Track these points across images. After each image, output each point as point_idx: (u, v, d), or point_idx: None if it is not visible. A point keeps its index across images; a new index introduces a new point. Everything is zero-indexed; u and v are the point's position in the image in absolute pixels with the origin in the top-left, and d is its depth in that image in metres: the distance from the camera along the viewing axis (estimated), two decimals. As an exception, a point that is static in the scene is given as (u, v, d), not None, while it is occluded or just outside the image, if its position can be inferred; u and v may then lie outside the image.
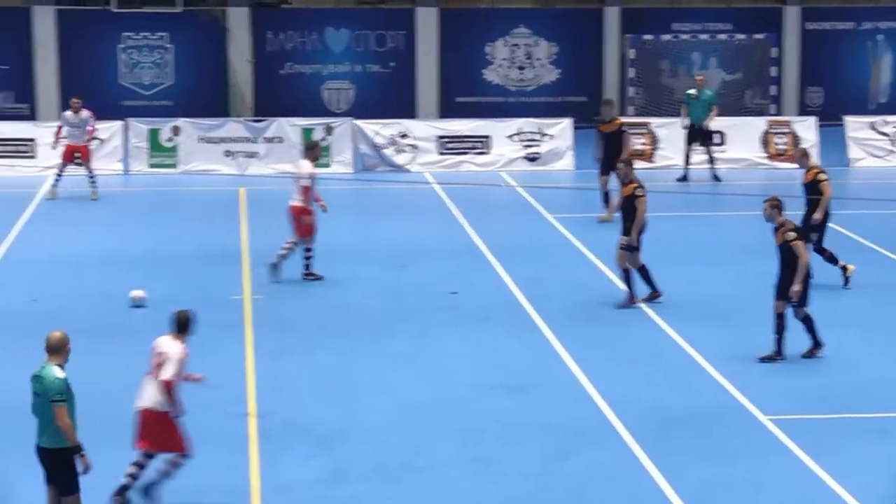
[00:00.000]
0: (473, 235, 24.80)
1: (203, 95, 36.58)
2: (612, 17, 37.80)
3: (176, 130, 31.25)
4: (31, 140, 30.97)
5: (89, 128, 28.41)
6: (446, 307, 20.12)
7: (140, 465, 12.96)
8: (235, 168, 30.83)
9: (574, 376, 16.97)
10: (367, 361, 17.55)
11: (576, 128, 32.35)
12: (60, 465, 11.61)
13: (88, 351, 17.74)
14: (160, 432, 12.88)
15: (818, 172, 21.40)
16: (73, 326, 18.76)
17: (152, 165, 31.05)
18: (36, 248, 23.56)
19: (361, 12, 38.01)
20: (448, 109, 37.22)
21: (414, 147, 31.82)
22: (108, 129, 31.04)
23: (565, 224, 25.58)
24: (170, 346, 13.00)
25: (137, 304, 19.78)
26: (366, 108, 36.06)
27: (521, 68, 37.97)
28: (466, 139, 32.16)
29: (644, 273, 20.09)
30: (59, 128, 28.51)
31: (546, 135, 32.15)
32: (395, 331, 18.90)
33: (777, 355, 17.34)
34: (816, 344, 17.56)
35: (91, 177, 28.06)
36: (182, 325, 13.13)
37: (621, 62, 37.72)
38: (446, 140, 32.08)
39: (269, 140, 31.31)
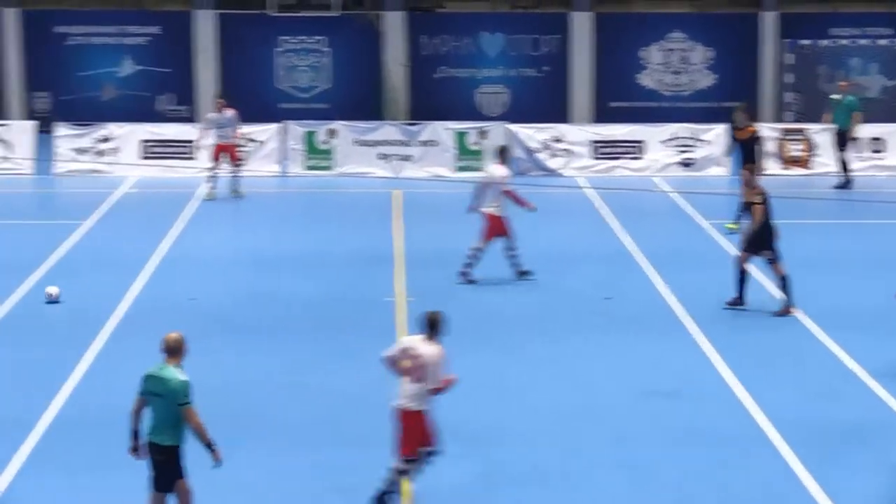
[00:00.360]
0: (626, 240, 24.71)
1: (359, 98, 36.94)
2: (769, 22, 37.36)
3: (332, 133, 31.61)
4: (191, 142, 31.57)
5: (236, 126, 28.90)
6: (599, 312, 20.08)
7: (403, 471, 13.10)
8: (390, 171, 31.10)
9: (726, 383, 16.82)
10: (519, 365, 17.58)
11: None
12: (173, 460, 11.87)
13: (246, 350, 18.07)
14: (414, 431, 13.04)
15: None
16: (230, 325, 19.20)
17: (308, 167, 31.45)
18: (194, 248, 24.00)
19: (516, 16, 38.07)
20: (602, 114, 37.10)
21: (567, 151, 31.79)
22: (266, 132, 31.53)
23: (719, 230, 25.36)
24: (426, 349, 13.04)
25: (52, 301, 20.03)
26: (519, 112, 36.09)
27: (676, 73, 37.71)
28: (620, 144, 32.05)
29: (742, 279, 19.92)
30: (205, 129, 29.07)
31: (701, 140, 31.90)
32: (548, 334, 18.91)
33: None
34: None
35: (235, 175, 28.58)
36: (433, 326, 13.19)
37: (778, 67, 37.27)
38: (600, 144, 32.00)
39: (424, 143, 31.53)
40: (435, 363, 12.99)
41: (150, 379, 11.88)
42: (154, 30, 37.27)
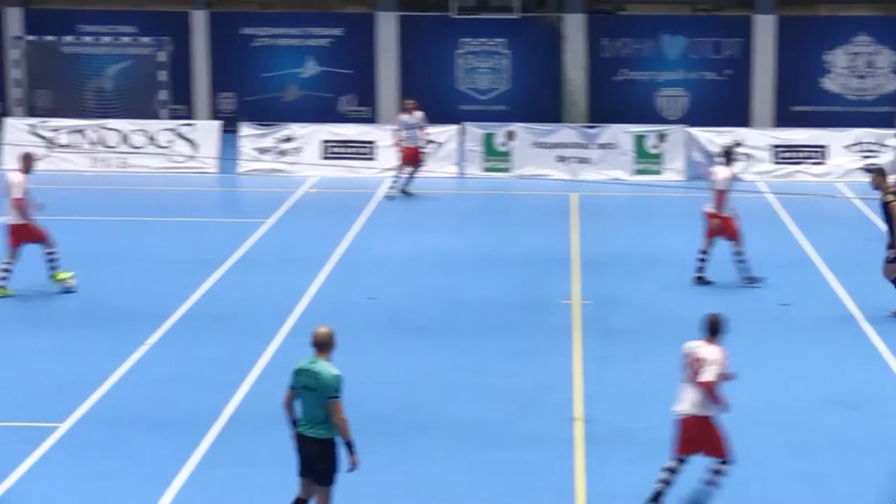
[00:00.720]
0: (807, 246, 24.34)
1: (537, 101, 36.97)
2: (959, 25, 36.49)
3: (510, 135, 31.70)
4: (372, 142, 31.93)
5: (422, 130, 29.15)
6: (779, 318, 19.82)
7: (673, 471, 13.13)
8: (567, 173, 31.07)
9: (910, 394, 16.48)
10: (695, 370, 17.41)
11: (917, 139, 31.39)
12: (327, 455, 11.97)
13: (423, 349, 18.22)
14: (703, 437, 13.04)
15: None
16: (408, 324, 19.39)
17: (486, 169, 31.57)
18: (373, 247, 24.27)
19: (697, 19, 37.73)
20: (783, 118, 36.58)
21: (748, 156, 31.42)
22: (445, 133, 31.75)
23: (904, 238, 24.82)
24: (707, 350, 13.11)
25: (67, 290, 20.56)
26: (699, 115, 35.77)
27: (861, 77, 37.01)
28: (802, 149, 31.57)
29: None
30: (398, 131, 29.32)
31: (885, 146, 31.27)
32: (726, 341, 18.68)
33: None
34: None
35: (409, 177, 28.87)
36: (714, 328, 13.27)
37: (968, 71, 36.38)
38: (781, 149, 31.56)
39: (602, 146, 31.43)
40: (715, 361, 12.98)
41: (301, 373, 12.02)
42: (337, 31, 37.78)
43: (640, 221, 27.09)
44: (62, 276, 20.87)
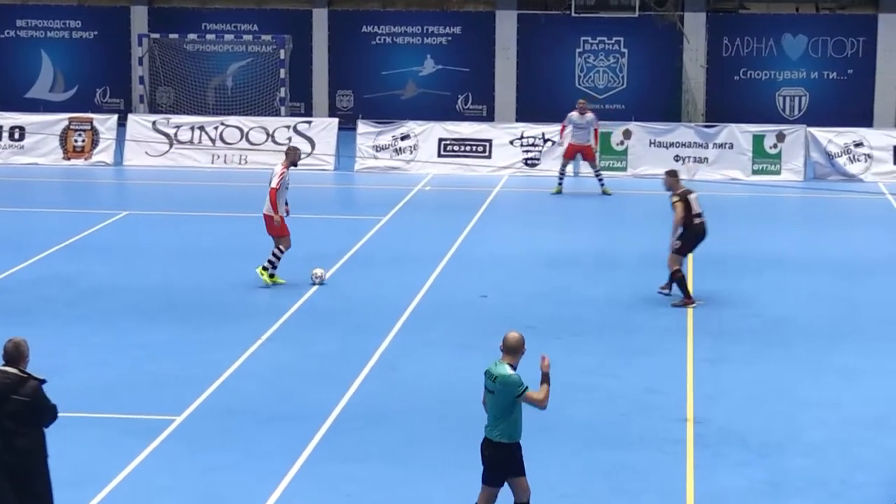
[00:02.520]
0: (928, 250, 23.98)
1: (655, 100, 36.81)
2: None
3: (627, 134, 31.60)
4: (488, 140, 31.99)
5: (594, 128, 29.24)
6: (902, 322, 19.54)
7: None
8: (685, 173, 30.87)
9: None
10: (810, 374, 17.25)
11: None
12: (507, 456, 11.92)
13: (535, 348, 18.24)
14: None
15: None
16: (519, 323, 19.41)
17: (602, 168, 31.46)
18: (487, 245, 24.32)
19: (820, 18, 37.31)
20: (907, 119, 36.10)
21: (868, 156, 31.01)
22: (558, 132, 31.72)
23: None
24: None
25: (318, 282, 21.15)
26: (820, 115, 35.40)
27: None
28: (925, 150, 31.09)
29: None
30: (563, 126, 29.52)
31: None
32: (842, 344, 18.51)
33: None
34: None
35: (598, 174, 28.97)
36: None
37: None
38: (903, 150, 31.12)
39: (720, 146, 31.22)
40: None
41: (487, 375, 11.95)
42: (456, 30, 37.91)
43: (757, 222, 26.85)
44: (272, 279, 21.15)
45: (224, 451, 14.41)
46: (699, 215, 20.29)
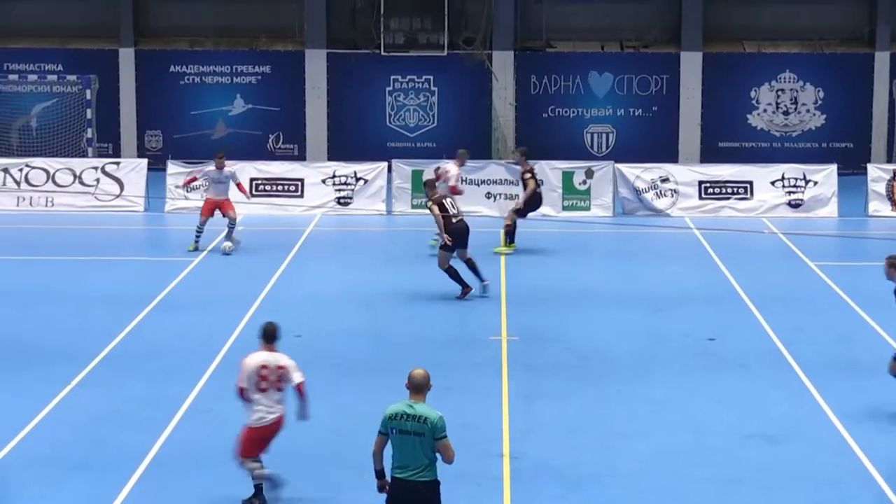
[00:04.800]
0: (733, 281, 24.50)
1: (466, 137, 37.07)
2: (882, 63, 36.97)
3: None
4: (300, 180, 31.87)
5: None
6: (704, 353, 19.91)
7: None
8: (496, 210, 31.13)
9: (835, 427, 16.58)
10: (622, 406, 17.47)
11: (840, 174, 31.76)
12: (435, 496, 11.75)
13: (350, 386, 18.15)
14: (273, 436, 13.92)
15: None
16: (334, 362, 19.30)
17: (414, 206, 31.58)
18: (300, 285, 24.17)
19: (625, 56, 38.03)
20: (710, 154, 36.94)
21: (675, 192, 31.64)
22: (374, 170, 31.74)
23: (828, 272, 25.07)
24: (281, 358, 13.94)
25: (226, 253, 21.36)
26: (627, 151, 36.05)
27: (786, 113, 37.43)
28: (728, 184, 31.83)
29: None
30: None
31: (810, 181, 31.60)
32: (652, 376, 18.79)
33: None
34: None
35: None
36: (273, 335, 14.16)
37: (890, 107, 36.85)
38: (707, 185, 31.81)
39: (532, 182, 31.48)
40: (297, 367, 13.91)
41: (398, 417, 11.68)
42: (265, 69, 37.75)
43: (568, 257, 27.18)
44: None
45: (32, 500, 14.01)
46: (456, 216, 23.14)
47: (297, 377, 13.83)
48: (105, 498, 14.03)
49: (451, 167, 26.46)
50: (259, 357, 13.89)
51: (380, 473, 11.94)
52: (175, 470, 14.94)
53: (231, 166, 30.47)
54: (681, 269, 25.92)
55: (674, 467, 15.21)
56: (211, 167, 27.45)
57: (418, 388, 11.80)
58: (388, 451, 11.89)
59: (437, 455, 11.75)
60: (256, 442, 13.88)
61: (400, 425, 11.69)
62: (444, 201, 23.27)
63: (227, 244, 26.65)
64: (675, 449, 15.81)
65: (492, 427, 16.53)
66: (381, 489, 11.96)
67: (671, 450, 15.79)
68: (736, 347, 20.18)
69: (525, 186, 27.56)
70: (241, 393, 13.84)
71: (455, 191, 25.25)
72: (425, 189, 24.20)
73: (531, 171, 27.57)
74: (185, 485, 14.53)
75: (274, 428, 13.89)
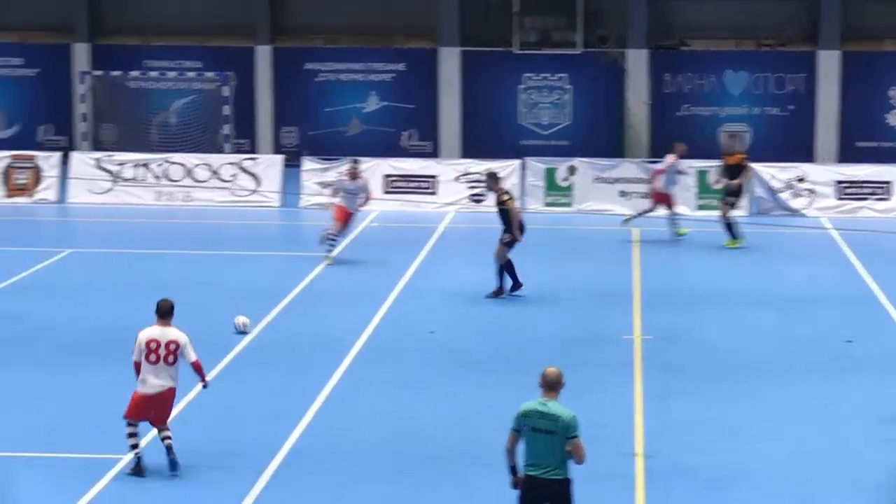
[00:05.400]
0: (871, 283, 24.13)
1: (599, 136, 36.97)
2: None
3: (572, 170, 31.69)
4: (434, 177, 32.01)
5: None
6: (842, 355, 19.65)
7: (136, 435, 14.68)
8: (630, 208, 30.97)
9: (975, 433, 16.27)
10: (757, 407, 17.30)
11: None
12: (567, 494, 11.75)
13: (482, 383, 18.20)
14: (164, 406, 14.68)
15: None
16: (467, 359, 19.37)
17: (547, 204, 31.56)
18: (435, 281, 24.27)
19: (761, 55, 37.61)
20: (847, 153, 36.39)
21: (811, 191, 31.25)
22: (506, 168, 31.77)
23: (970, 275, 24.61)
24: (176, 333, 14.74)
25: (241, 331, 20.23)
26: (762, 150, 35.64)
27: (923, 111, 36.78)
28: (866, 184, 31.35)
29: None
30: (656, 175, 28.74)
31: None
32: (787, 377, 18.58)
33: None
34: None
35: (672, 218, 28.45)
36: (168, 311, 14.85)
37: None
38: (845, 185, 31.36)
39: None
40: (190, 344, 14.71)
41: (531, 415, 11.73)
42: (400, 66, 37.95)
43: (703, 256, 26.97)
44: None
45: (169, 492, 14.26)
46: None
47: (191, 355, 14.62)
48: (242, 490, 14.22)
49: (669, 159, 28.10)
50: (150, 331, 14.65)
51: (513, 470, 11.96)
52: (311, 462, 15.11)
53: (366, 164, 30.68)
54: (817, 270, 25.60)
55: (808, 472, 15.03)
56: (344, 177, 26.72)
57: (551, 386, 11.81)
58: (521, 448, 11.91)
59: (569, 454, 11.74)
60: (141, 408, 14.59)
61: (533, 423, 11.71)
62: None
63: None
64: (810, 453, 15.62)
65: (624, 426, 16.48)
66: (514, 486, 11.98)
67: (806, 454, 15.60)
68: (874, 350, 19.88)
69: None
70: (135, 367, 14.64)
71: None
72: (490, 182, 23.27)
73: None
74: (321, 477, 14.68)
75: (159, 398, 14.58)
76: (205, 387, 15.06)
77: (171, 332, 14.67)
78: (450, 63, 37.62)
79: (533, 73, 37.60)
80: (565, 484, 11.75)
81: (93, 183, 32.32)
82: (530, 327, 21.13)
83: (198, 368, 14.73)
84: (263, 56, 38.04)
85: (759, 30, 37.63)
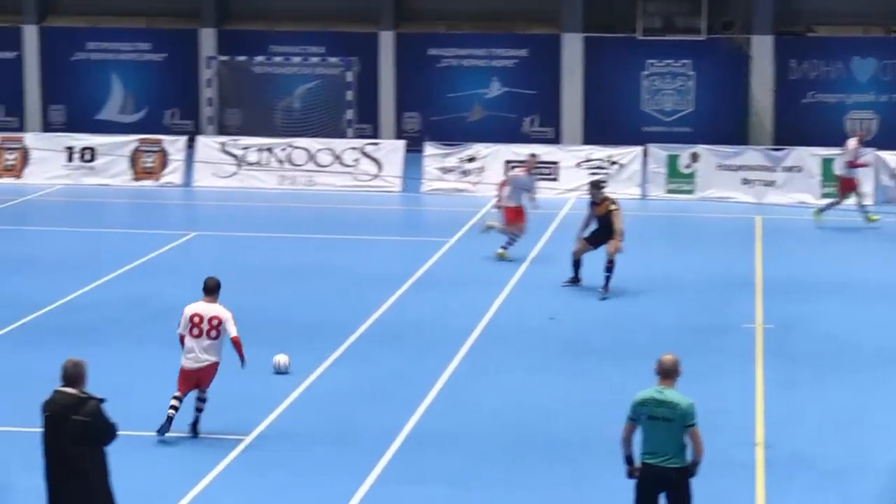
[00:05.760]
0: None
1: (722, 123, 36.62)
2: None
3: (694, 157, 31.46)
4: (555, 163, 31.97)
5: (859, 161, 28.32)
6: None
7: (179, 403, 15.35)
8: (752, 196, 30.70)
9: None
10: (879, 398, 17.08)
11: None
12: (685, 484, 11.72)
13: (600, 371, 18.19)
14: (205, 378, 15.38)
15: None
16: (586, 347, 19.36)
17: (669, 191, 31.37)
18: (555, 268, 24.23)
19: (890, 41, 36.99)
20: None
21: (939, 180, 30.70)
22: (629, 155, 31.63)
23: None
24: (218, 309, 15.33)
25: (280, 371, 17.82)
26: (889, 138, 35.06)
27: None
28: None
29: None
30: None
31: None
32: None
33: None
34: None
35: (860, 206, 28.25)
36: (215, 287, 15.50)
37: None
38: (975, 173, 30.77)
39: (788, 169, 30.99)
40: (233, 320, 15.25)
41: (647, 403, 11.68)
42: (522, 52, 37.92)
43: (826, 246, 26.66)
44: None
45: (290, 473, 14.45)
46: None
47: (232, 330, 15.12)
48: (361, 472, 14.36)
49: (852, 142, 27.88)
50: (195, 306, 15.32)
51: (629, 459, 11.93)
52: (429, 446, 15.21)
53: (487, 150, 30.76)
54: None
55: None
56: (520, 171, 25.90)
57: (667, 373, 11.75)
58: (637, 437, 11.88)
59: (686, 442, 11.69)
60: (184, 380, 15.29)
61: (650, 411, 11.67)
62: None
63: (493, 224, 25.46)
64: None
65: (745, 415, 16.37)
66: (630, 475, 11.96)
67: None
68: None
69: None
70: (180, 339, 15.32)
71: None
72: (593, 190, 22.74)
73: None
74: (439, 460, 14.78)
75: (201, 372, 15.22)
76: (243, 365, 15.36)
77: (215, 308, 15.26)
78: (572, 49, 37.50)
79: (656, 59, 37.34)
80: (683, 472, 11.70)
81: (218, 167, 32.75)
82: (650, 315, 21.04)
83: (237, 345, 15.15)
84: (387, 41, 38.23)
85: (888, 16, 37.01)
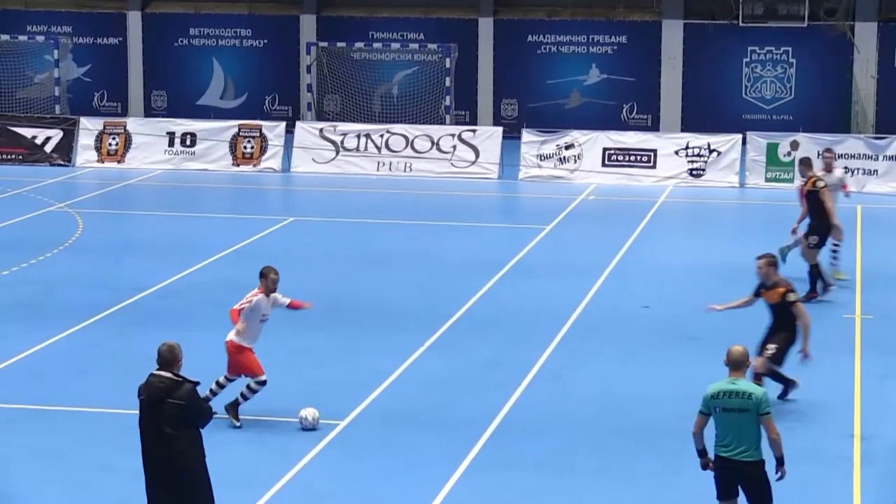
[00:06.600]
0: None
1: (823, 110, 36.23)
2: None
3: (794, 145, 31.14)
4: (653, 150, 31.80)
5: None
6: None
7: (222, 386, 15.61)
8: (853, 185, 30.29)
9: None
10: (981, 392, 16.84)
11: None
12: (763, 477, 11.65)
13: (696, 360, 18.10)
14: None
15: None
16: (681, 333, 19.27)
17: (768, 179, 31.09)
18: (650, 256, 24.16)
19: None
20: None
21: None
22: (727, 143, 31.39)
23: None
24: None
25: (308, 427, 15.39)
26: None
27: None
28: None
29: None
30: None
31: None
32: None
33: None
34: None
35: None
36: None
37: None
38: None
39: (890, 158, 30.59)
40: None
41: (721, 395, 11.58)
42: (622, 39, 37.75)
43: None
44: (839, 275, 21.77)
45: (385, 458, 14.53)
46: None
47: (284, 300, 15.86)
48: (455, 457, 14.42)
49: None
50: (266, 298, 15.68)
51: (701, 452, 11.86)
52: (523, 433, 15.22)
53: (585, 136, 30.65)
54: None
55: None
56: (820, 172, 22.68)
57: (737, 365, 11.68)
58: (709, 431, 11.75)
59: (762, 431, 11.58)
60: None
61: (724, 403, 11.57)
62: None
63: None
64: None
65: (843, 407, 16.21)
66: (704, 467, 11.91)
67: None
68: None
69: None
70: (232, 315, 15.59)
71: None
72: (803, 168, 21.76)
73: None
74: (533, 446, 14.79)
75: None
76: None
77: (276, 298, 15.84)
78: (672, 35, 37.27)
79: (757, 46, 37.01)
80: (759, 466, 11.60)
81: (316, 152, 32.95)
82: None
83: (297, 307, 16.04)
84: (486, 28, 38.22)
85: None
